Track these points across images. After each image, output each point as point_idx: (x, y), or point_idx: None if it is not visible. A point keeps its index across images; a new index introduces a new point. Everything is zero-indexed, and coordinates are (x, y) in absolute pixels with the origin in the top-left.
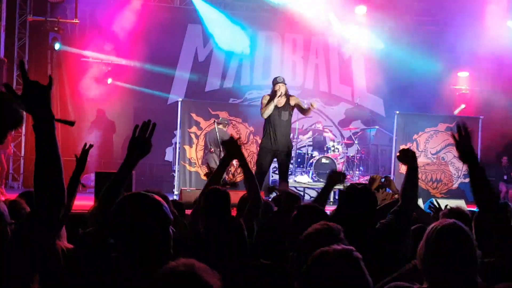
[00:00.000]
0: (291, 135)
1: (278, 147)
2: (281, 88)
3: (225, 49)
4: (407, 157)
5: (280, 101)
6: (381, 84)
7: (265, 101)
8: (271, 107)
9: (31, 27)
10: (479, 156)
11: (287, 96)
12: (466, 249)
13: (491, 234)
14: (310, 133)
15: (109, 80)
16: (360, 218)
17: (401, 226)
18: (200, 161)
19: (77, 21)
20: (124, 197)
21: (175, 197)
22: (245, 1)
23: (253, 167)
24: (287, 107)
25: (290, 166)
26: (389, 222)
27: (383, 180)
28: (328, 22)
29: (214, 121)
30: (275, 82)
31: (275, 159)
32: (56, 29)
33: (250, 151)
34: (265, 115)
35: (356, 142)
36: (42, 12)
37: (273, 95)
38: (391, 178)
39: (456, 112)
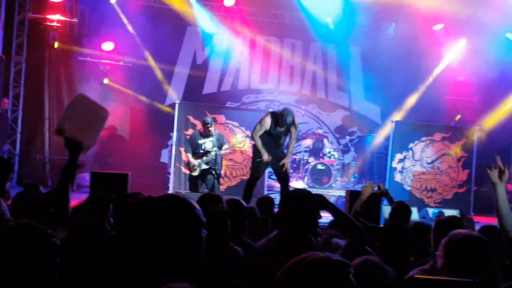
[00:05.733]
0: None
1: (271, 162)
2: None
3: (224, 53)
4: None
5: (281, 129)
6: (378, 92)
7: (264, 125)
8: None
9: (30, 25)
10: (474, 166)
11: (291, 125)
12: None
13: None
14: (309, 140)
15: (105, 80)
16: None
17: None
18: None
19: (76, 20)
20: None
21: None
22: (244, 6)
23: (249, 171)
24: (287, 132)
25: None
26: None
27: (376, 188)
28: (327, 28)
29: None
30: (284, 120)
31: (271, 168)
32: (55, 27)
33: (247, 155)
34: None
35: (352, 149)
36: (41, 11)
37: (276, 117)
38: (385, 186)
39: (452, 121)
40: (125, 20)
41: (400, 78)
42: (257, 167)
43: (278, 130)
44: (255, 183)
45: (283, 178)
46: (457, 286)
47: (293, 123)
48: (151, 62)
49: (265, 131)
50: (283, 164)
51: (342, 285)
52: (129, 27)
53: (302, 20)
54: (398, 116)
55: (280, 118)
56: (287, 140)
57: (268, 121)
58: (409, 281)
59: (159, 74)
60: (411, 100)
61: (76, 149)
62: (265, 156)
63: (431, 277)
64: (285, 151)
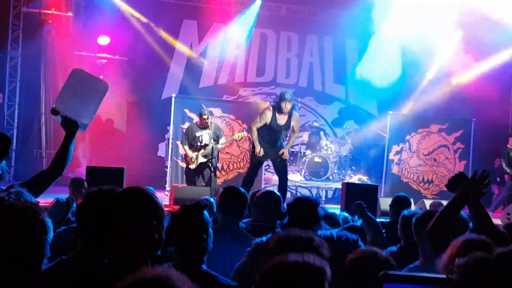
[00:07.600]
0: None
1: (269, 155)
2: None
3: (220, 46)
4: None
5: (281, 121)
6: (375, 84)
7: (264, 118)
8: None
9: (25, 19)
10: (470, 158)
11: (290, 114)
12: None
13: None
14: (306, 133)
15: (101, 77)
16: None
17: None
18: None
19: (71, 14)
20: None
21: (166, 193)
22: None
23: (245, 164)
24: (289, 125)
25: None
26: None
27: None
28: (324, 21)
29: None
30: (283, 98)
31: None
32: (50, 21)
33: (243, 148)
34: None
35: (349, 141)
36: (36, 4)
37: (277, 106)
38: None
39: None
40: (120, 14)
41: (397, 70)
42: (255, 162)
43: (279, 124)
44: (253, 177)
45: (281, 171)
46: (430, 281)
47: (291, 102)
48: (147, 55)
49: (265, 125)
50: (282, 154)
51: None
52: (125, 21)
53: (297, 13)
54: (394, 108)
55: (281, 100)
56: (288, 135)
57: (268, 115)
58: (383, 277)
59: (155, 68)
60: (408, 92)
61: (72, 128)
62: (257, 149)
63: (404, 273)
64: (284, 144)
